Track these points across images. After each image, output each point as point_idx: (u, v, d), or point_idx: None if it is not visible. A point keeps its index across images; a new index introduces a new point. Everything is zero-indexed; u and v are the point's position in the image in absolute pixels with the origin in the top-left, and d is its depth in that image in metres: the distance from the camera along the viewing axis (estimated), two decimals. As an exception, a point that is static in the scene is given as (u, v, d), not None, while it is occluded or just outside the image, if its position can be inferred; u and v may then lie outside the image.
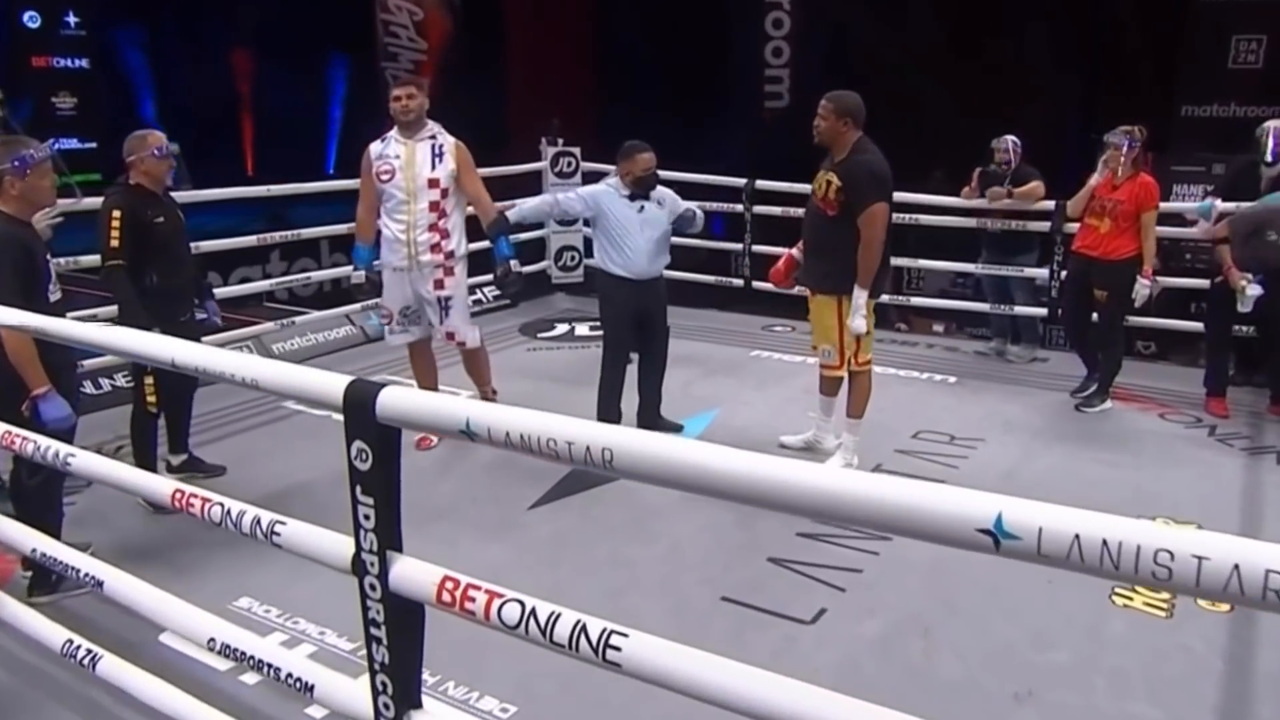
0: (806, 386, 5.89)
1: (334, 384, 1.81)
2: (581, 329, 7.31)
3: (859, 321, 4.42)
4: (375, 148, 4.63)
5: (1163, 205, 5.63)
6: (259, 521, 2.02)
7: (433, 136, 4.59)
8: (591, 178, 7.76)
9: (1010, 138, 6.28)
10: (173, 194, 4.51)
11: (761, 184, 7.24)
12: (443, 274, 4.73)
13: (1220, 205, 5.59)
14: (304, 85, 11.00)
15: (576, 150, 7.75)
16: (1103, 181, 5.55)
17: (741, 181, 7.29)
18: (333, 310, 6.72)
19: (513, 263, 4.72)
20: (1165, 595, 3.57)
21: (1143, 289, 5.39)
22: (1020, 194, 6.16)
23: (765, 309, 7.47)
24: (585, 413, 5.31)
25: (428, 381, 5.07)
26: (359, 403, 1.77)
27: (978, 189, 6.31)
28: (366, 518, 1.82)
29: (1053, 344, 6.78)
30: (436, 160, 4.57)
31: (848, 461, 4.71)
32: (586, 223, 5.57)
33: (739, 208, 7.27)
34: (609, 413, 5.06)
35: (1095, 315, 5.61)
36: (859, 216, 4.29)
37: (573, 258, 7.92)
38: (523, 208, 4.98)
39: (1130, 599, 3.59)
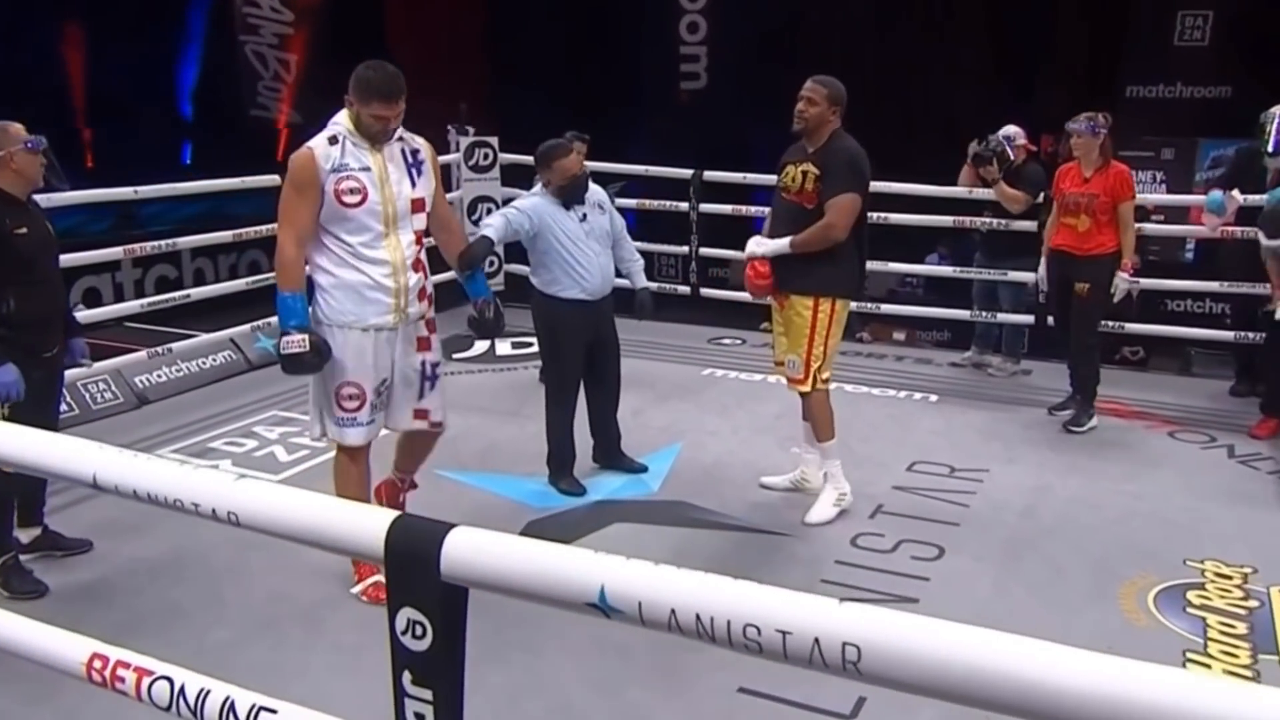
0: (776, 412, 5.60)
1: (368, 524, 1.30)
2: (503, 347, 6.77)
3: (762, 248, 4.21)
4: (325, 151, 3.36)
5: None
6: (232, 708, 1.49)
7: (400, 139, 3.49)
8: (511, 173, 7.28)
9: (1014, 128, 6.03)
10: (36, 198, 3.83)
11: (711, 175, 6.82)
12: (427, 329, 3.67)
13: (1238, 196, 5.44)
14: (148, 63, 10.09)
15: (494, 140, 7.20)
16: (1071, 176, 5.35)
17: (684, 173, 6.84)
18: (215, 334, 5.99)
19: (496, 301, 3.94)
20: (1247, 661, 3.33)
21: (1123, 284, 5.26)
22: (999, 190, 5.91)
23: (710, 319, 7.10)
24: (529, 451, 4.90)
25: (360, 491, 3.69)
26: (413, 553, 1.27)
27: (976, 171, 6.03)
28: (420, 717, 1.32)
29: (1036, 354, 6.56)
30: (414, 172, 3.49)
31: (841, 492, 4.37)
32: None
33: (683, 206, 6.82)
34: (563, 455, 4.61)
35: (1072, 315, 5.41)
36: (826, 202, 4.08)
37: (491, 263, 7.34)
38: (495, 229, 4.30)
39: (1208, 665, 3.32)
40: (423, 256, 3.61)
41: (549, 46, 10.64)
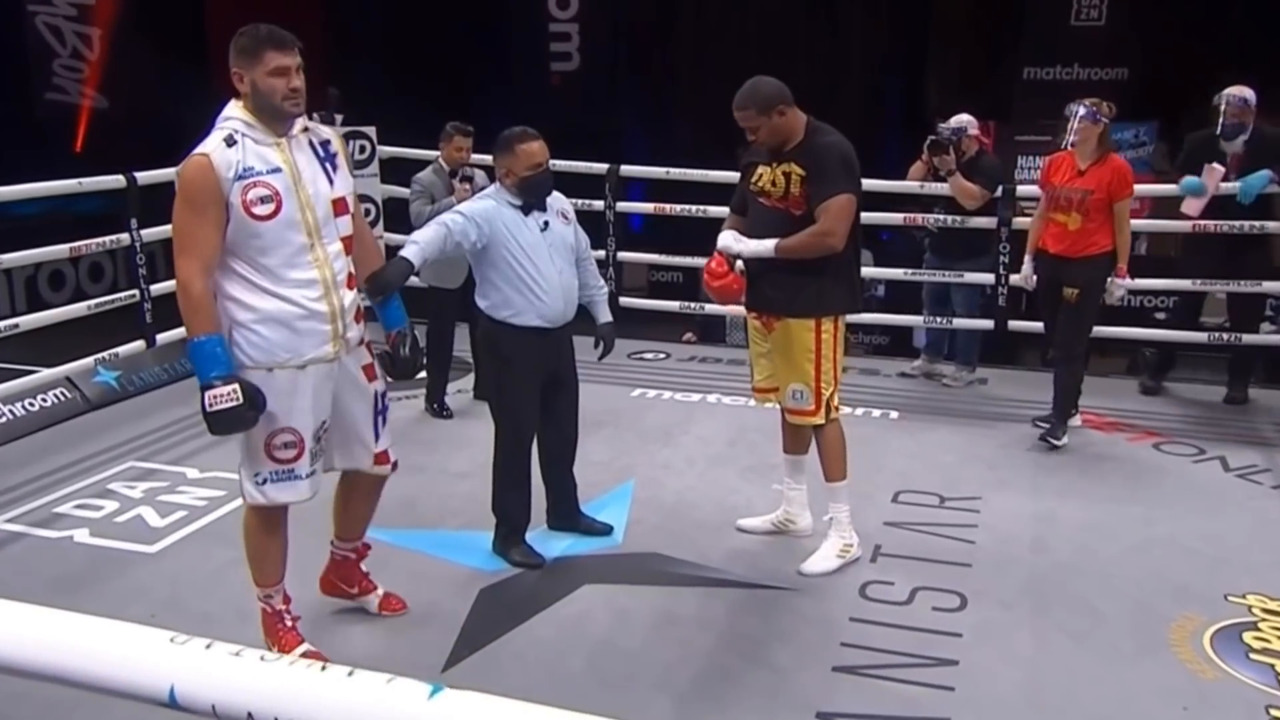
0: (727, 438, 5.32)
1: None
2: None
3: (741, 245, 3.87)
4: (224, 156, 2.88)
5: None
6: None
7: (305, 128, 3.08)
8: (392, 168, 6.71)
9: (966, 117, 5.85)
10: None
11: (628, 170, 6.42)
12: (369, 354, 3.30)
13: (1218, 167, 5.36)
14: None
15: (371, 130, 6.60)
16: (1062, 168, 5.20)
17: (599, 168, 6.40)
18: (48, 371, 5.19)
19: (415, 331, 3.50)
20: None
21: (1117, 289, 5.12)
22: (955, 184, 5.73)
23: (628, 330, 6.70)
24: (453, 499, 4.53)
25: (280, 562, 3.30)
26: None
27: (929, 163, 5.83)
28: None
29: (991, 361, 6.44)
30: (329, 167, 3.08)
31: (846, 543, 4.06)
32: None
33: (598, 204, 6.38)
34: (516, 519, 4.08)
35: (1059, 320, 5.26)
36: (817, 206, 3.72)
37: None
38: (423, 245, 3.71)
39: (1297, 721, 3.15)
40: (352, 269, 3.17)
41: (404, 24, 10.05)
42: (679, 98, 10.62)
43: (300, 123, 3.05)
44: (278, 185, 2.92)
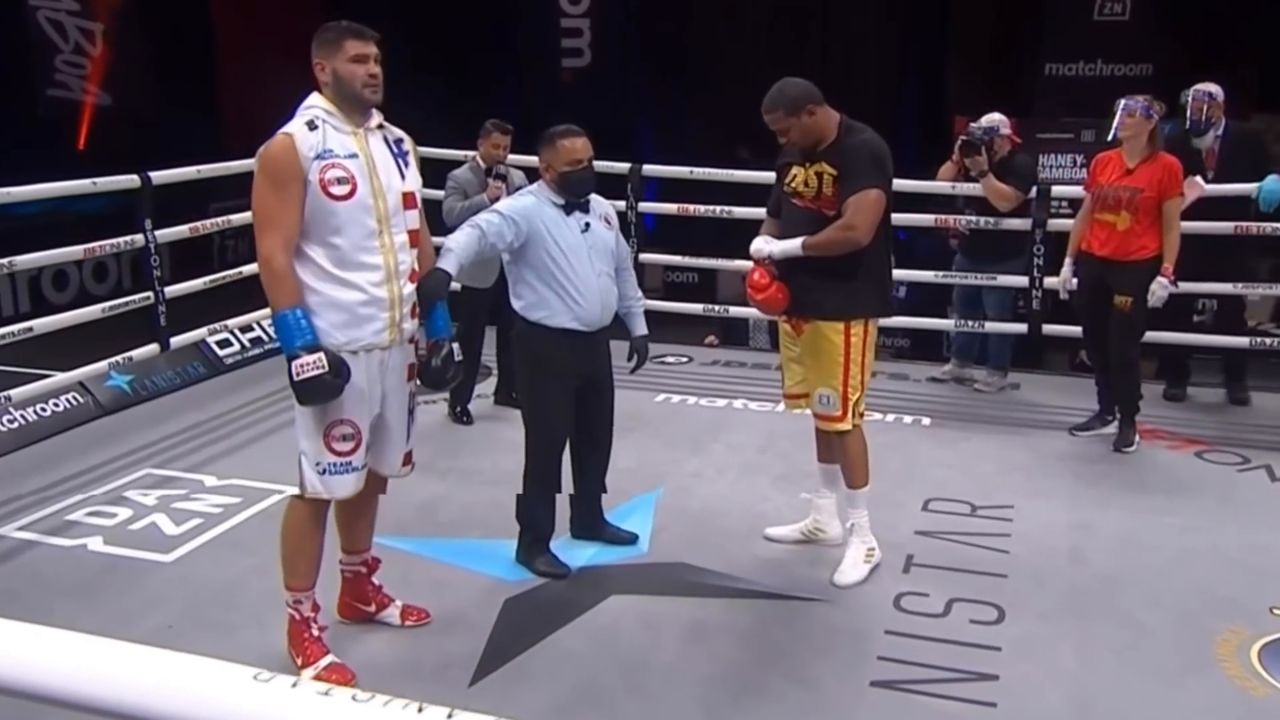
0: (757, 445, 5.30)
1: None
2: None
3: (771, 246, 3.87)
4: (306, 137, 3.03)
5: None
6: None
7: (381, 125, 3.22)
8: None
9: (998, 117, 5.82)
10: None
11: (650, 170, 6.40)
12: (414, 353, 3.41)
13: (1200, 182, 5.36)
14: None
15: (384, 129, 6.59)
16: (1110, 167, 5.17)
17: (620, 167, 6.37)
18: (63, 374, 5.14)
19: (454, 345, 3.48)
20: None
21: (1161, 290, 5.04)
22: (988, 185, 5.69)
23: (650, 334, 6.70)
24: (475, 507, 4.49)
25: (316, 559, 3.34)
26: None
27: (960, 163, 5.80)
28: None
29: (1021, 366, 6.40)
30: (401, 163, 3.22)
31: (870, 547, 4.03)
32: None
33: (618, 204, 6.35)
34: (541, 528, 4.04)
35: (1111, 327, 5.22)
36: (845, 200, 3.71)
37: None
38: (458, 251, 3.66)
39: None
40: (416, 264, 3.29)
41: (414, 20, 10.03)
42: (690, 95, 10.61)
43: (376, 118, 3.20)
44: (353, 170, 3.06)
